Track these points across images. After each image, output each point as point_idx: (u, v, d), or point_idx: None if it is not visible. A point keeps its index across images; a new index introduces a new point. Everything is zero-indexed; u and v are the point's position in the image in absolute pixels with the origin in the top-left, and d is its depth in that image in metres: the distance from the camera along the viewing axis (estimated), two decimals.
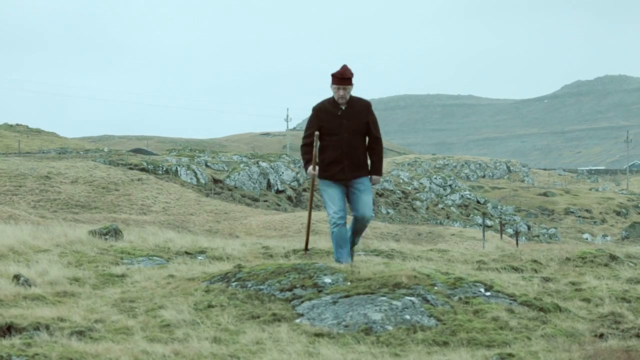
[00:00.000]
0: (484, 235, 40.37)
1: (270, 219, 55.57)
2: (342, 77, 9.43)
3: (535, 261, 12.60)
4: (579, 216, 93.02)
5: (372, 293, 8.40)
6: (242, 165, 75.39)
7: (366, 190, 9.64)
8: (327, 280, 8.80)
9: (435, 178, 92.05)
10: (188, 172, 70.26)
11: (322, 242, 15.77)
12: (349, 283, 8.70)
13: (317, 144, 9.63)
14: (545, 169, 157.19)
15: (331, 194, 9.68)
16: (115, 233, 14.30)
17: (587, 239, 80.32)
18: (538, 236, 77.31)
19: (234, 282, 9.04)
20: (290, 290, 8.68)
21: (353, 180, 9.61)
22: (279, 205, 70.58)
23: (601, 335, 7.83)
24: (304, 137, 9.75)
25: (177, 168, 70.25)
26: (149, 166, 69.38)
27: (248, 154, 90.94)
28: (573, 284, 10.19)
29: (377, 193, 79.12)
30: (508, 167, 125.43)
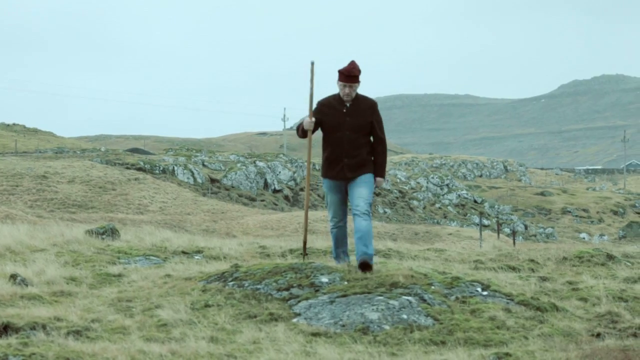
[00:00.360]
0: (481, 235, 40.40)
1: (267, 219, 55.56)
2: (349, 75, 9.19)
3: (532, 261, 12.62)
4: (576, 216, 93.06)
5: (369, 292, 8.40)
6: (239, 165, 75.36)
7: (363, 184, 9.25)
8: (324, 279, 8.79)
9: (433, 177, 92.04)
10: (185, 171, 70.23)
11: (319, 241, 15.79)
12: (346, 282, 8.70)
13: (313, 76, 9.41)
14: (542, 169, 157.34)
15: (331, 200, 9.48)
16: (112, 233, 14.31)
17: (584, 238, 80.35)
18: (535, 236, 77.37)
19: (230, 281, 9.03)
20: (287, 289, 8.68)
21: (353, 179, 9.31)
22: (276, 204, 70.58)
23: (598, 335, 7.84)
24: None
25: (174, 167, 70.21)
26: (146, 166, 69.32)
27: (245, 153, 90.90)
28: (570, 283, 10.20)
29: (374, 193, 78.95)
30: (505, 167, 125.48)
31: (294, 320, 7.98)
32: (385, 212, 76.95)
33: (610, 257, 12.73)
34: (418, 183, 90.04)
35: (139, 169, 68.21)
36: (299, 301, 8.39)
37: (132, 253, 12.16)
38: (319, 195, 72.62)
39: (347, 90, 9.23)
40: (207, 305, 8.30)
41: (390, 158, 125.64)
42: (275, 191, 74.92)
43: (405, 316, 7.96)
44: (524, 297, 8.76)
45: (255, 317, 8.03)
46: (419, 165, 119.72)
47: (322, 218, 50.54)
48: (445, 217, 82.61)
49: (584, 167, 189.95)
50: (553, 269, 11.77)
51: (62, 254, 11.66)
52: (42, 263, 10.45)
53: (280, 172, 76.95)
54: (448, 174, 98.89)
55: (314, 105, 9.45)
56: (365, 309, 8.04)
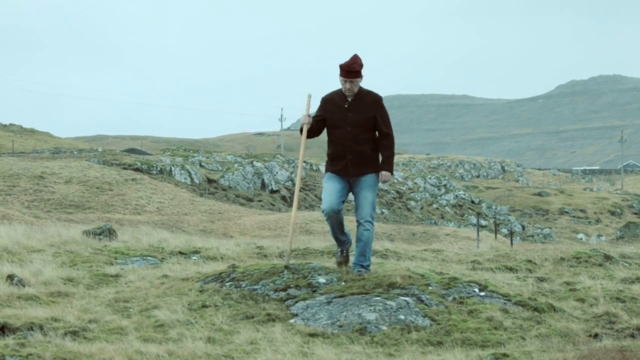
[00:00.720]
0: (478, 235, 40.41)
1: (264, 219, 55.53)
2: (349, 70, 8.99)
3: (529, 261, 12.62)
4: (574, 216, 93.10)
5: (366, 293, 8.40)
6: (236, 165, 75.33)
7: (367, 188, 9.06)
8: (322, 280, 8.79)
9: (430, 178, 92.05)
10: (182, 172, 70.19)
11: (317, 241, 15.79)
12: (343, 283, 8.70)
13: (309, 100, 9.32)
14: (539, 169, 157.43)
15: (328, 188, 9.06)
16: (109, 233, 14.30)
17: (581, 239, 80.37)
18: (532, 236, 77.38)
19: (228, 282, 9.03)
20: (284, 290, 8.68)
21: (356, 177, 9.10)
22: (273, 205, 70.56)
23: (595, 335, 7.84)
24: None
25: (171, 168, 70.17)
26: (143, 166, 69.29)
27: (242, 153, 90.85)
28: (567, 284, 10.21)
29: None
30: (502, 167, 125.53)
31: (292, 320, 7.98)
32: (382, 213, 76.93)
33: (607, 257, 12.73)
34: (415, 183, 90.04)
35: (136, 170, 68.16)
36: (296, 302, 8.38)
37: (130, 253, 12.15)
38: (316, 196, 72.61)
39: (348, 85, 9.04)
40: (204, 306, 8.30)
41: None
42: (272, 192, 74.90)
43: (402, 317, 7.96)
44: (522, 297, 8.77)
45: (252, 317, 8.02)
46: (416, 166, 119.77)
47: (320, 218, 50.51)
48: (442, 218, 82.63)
49: (582, 168, 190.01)
50: (550, 270, 11.77)
51: (59, 254, 11.65)
52: (39, 263, 10.43)
53: (277, 172, 76.92)
54: (445, 175, 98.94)
55: (318, 103, 9.38)
56: (362, 310, 8.04)
